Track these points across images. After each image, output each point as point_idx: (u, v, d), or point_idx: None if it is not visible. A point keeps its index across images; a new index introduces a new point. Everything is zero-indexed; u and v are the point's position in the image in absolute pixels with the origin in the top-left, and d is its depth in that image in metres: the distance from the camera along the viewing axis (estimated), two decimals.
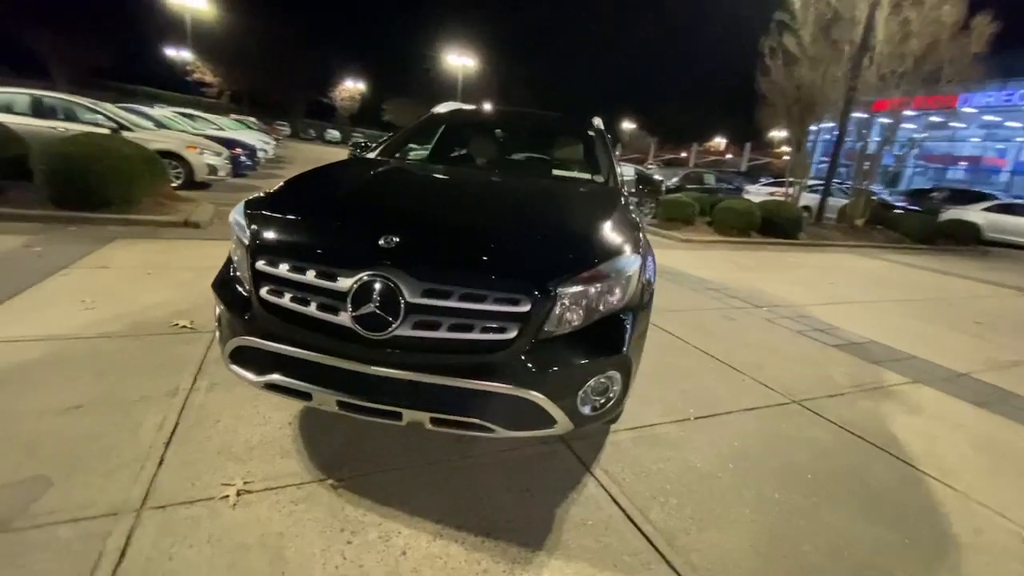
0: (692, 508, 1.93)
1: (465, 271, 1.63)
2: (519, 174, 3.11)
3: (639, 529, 1.78)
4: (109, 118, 8.35)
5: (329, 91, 53.67)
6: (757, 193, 14.69)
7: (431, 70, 48.08)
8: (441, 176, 2.81)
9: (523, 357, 1.61)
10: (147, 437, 1.99)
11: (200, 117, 16.03)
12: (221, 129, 14.83)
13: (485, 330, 1.60)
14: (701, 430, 2.53)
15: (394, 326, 1.57)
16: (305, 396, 1.69)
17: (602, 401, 1.80)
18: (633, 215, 2.45)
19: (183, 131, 10.54)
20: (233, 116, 25.11)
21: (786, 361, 3.65)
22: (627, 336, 1.83)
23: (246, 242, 1.76)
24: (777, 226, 10.46)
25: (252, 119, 25.46)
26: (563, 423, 1.71)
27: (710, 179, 14.71)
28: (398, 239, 1.67)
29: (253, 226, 1.80)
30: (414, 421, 1.65)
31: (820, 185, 13.62)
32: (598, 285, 1.74)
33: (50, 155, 5.48)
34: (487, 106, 3.88)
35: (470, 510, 1.79)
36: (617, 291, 1.80)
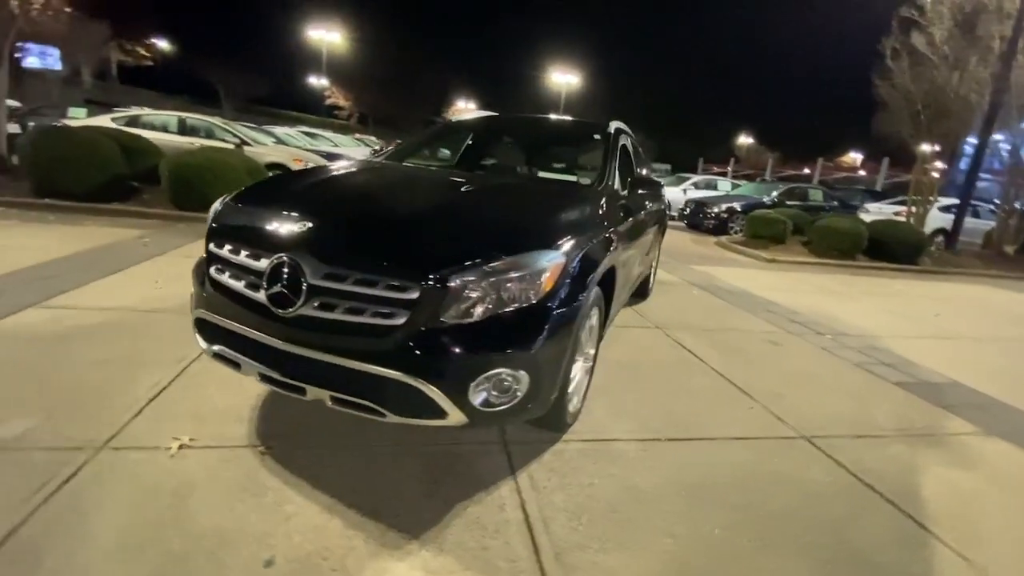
0: (605, 528, 1.78)
1: (361, 257, 1.70)
2: (506, 175, 3.15)
3: (532, 538, 1.70)
4: (235, 135, 9.78)
5: (444, 110, 57.42)
6: (879, 213, 12.92)
7: (538, 86, 49.44)
8: (400, 174, 2.90)
9: (412, 344, 1.64)
10: (140, 392, 2.32)
11: (323, 136, 18.12)
12: (336, 146, 16.62)
13: (376, 315, 1.66)
14: (667, 453, 2.32)
15: (297, 305, 1.69)
16: (236, 366, 1.87)
17: (505, 399, 1.76)
18: (597, 216, 2.36)
19: (298, 147, 11.99)
20: (356, 135, 28.01)
21: (819, 393, 3.20)
22: (536, 334, 1.77)
23: (207, 227, 2.01)
24: (889, 249, 9.12)
25: (373, 138, 28.18)
26: (455, 416, 1.70)
27: (816, 196, 13.23)
28: (311, 225, 1.80)
29: (216, 213, 2.05)
30: (316, 397, 1.75)
31: (963, 205, 11.59)
32: (502, 278, 1.71)
33: (173, 164, 6.59)
34: (501, 113, 3.97)
35: (371, 492, 1.84)
36: (526, 286, 1.75)
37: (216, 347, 1.93)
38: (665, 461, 2.24)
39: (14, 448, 1.86)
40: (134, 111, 10.37)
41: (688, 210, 12.78)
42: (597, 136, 3.24)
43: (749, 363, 3.58)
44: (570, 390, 2.19)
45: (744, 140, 57.22)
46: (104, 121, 9.17)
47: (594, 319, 2.41)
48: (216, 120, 10.22)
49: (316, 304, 1.69)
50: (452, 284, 1.65)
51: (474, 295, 1.68)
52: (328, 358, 1.69)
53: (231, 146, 8.91)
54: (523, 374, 1.75)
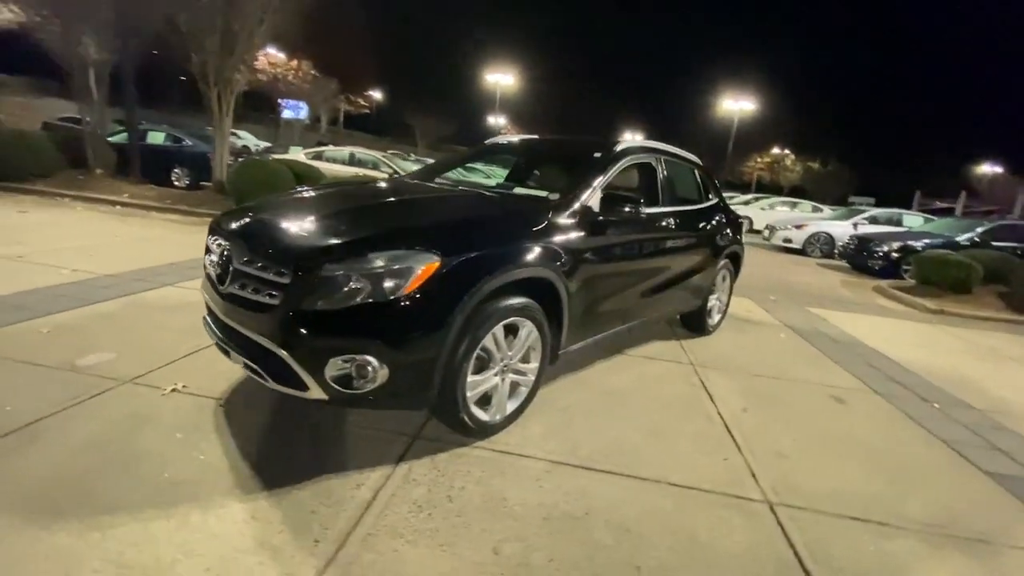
0: (438, 527, 1.80)
1: (262, 249, 2.07)
2: (464, 188, 3.38)
3: (360, 516, 1.81)
4: (390, 166, 11.53)
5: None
6: None
7: (706, 116, 46.88)
8: (361, 188, 3.25)
9: (286, 321, 1.93)
10: (182, 350, 3.04)
11: (479, 168, 20.01)
12: (487, 176, 18.25)
13: (267, 295, 2.00)
14: (569, 479, 2.17)
15: (227, 283, 2.13)
16: (210, 330, 2.39)
17: (364, 384, 1.93)
18: (526, 231, 2.40)
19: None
20: None
21: (844, 462, 2.58)
22: (394, 327, 1.92)
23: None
24: None
25: None
26: (315, 390, 1.93)
27: None
28: (249, 224, 2.24)
29: (214, 218, 2.64)
30: (236, 361, 2.15)
31: None
32: (368, 272, 1.91)
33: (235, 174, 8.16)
34: (526, 136, 4.19)
35: (270, 450, 2.15)
36: (392, 283, 1.92)
37: (204, 315, 2.49)
38: (558, 485, 2.12)
39: (81, 371, 2.64)
40: (321, 148, 12.96)
41: (851, 247, 10.86)
42: (597, 154, 3.19)
43: (778, 417, 3.04)
44: (469, 396, 2.22)
45: (986, 169, 45.81)
46: (299, 155, 11.68)
47: (526, 334, 2.41)
48: (379, 154, 12.20)
49: (237, 285, 2.10)
50: (321, 274, 1.90)
51: (341, 285, 1.91)
52: (241, 328, 2.08)
53: (383, 175, 10.58)
54: (378, 362, 1.90)
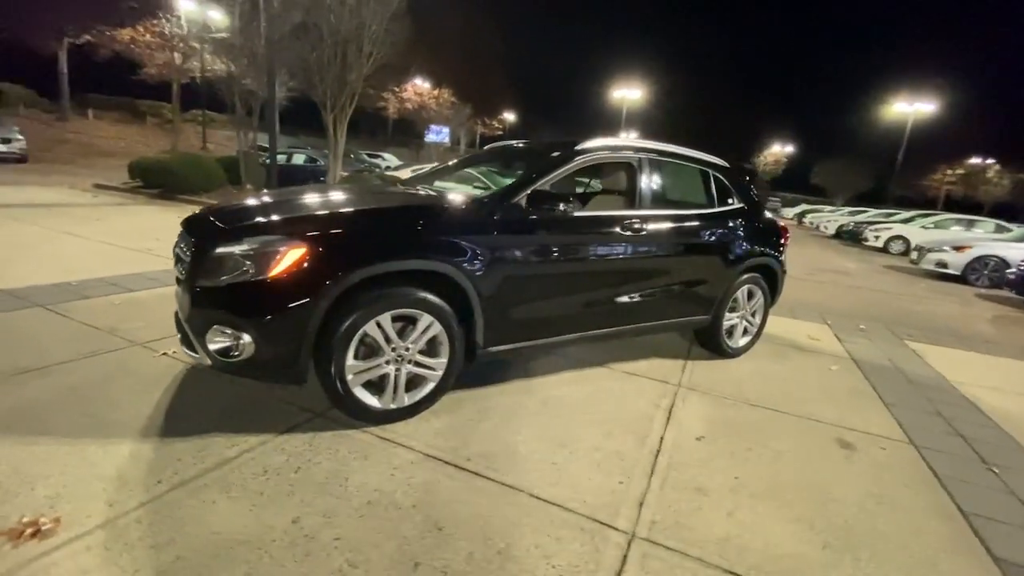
0: (259, 488, 1.95)
1: (185, 234, 2.45)
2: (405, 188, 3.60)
3: (192, 471, 2.04)
4: (485, 181, 12.12)
5: (752, 156, 53.43)
6: None
7: (868, 126, 40.38)
8: (336, 186, 3.51)
9: (189, 293, 2.27)
10: None
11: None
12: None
13: (179, 272, 2.37)
14: (421, 471, 2.16)
15: (174, 266, 2.57)
16: None
17: (237, 354, 2.18)
18: (420, 224, 2.48)
19: None
20: None
21: (786, 519, 2.14)
22: (255, 304, 2.14)
23: None
24: None
25: None
26: (204, 357, 2.24)
27: None
28: (194, 215, 2.66)
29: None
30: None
31: None
32: (243, 255, 2.17)
33: None
34: (515, 141, 4.15)
35: (181, 408, 2.51)
36: (260, 265, 2.15)
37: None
38: (409, 476, 2.12)
39: (115, 334, 3.34)
40: (429, 166, 14.14)
41: (1019, 272, 8.54)
42: (554, 154, 3.09)
43: (736, 452, 2.61)
44: (351, 379, 2.33)
45: None
46: (405, 172, 12.90)
47: (423, 326, 2.46)
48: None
49: (178, 266, 2.52)
50: (208, 254, 2.21)
51: (220, 264, 2.20)
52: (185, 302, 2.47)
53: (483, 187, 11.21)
54: (245, 336, 2.14)
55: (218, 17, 18.44)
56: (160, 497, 1.86)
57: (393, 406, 2.51)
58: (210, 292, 2.21)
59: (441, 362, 2.59)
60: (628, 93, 34.35)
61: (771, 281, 4.13)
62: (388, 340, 2.41)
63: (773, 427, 2.94)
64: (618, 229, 3.15)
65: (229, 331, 2.16)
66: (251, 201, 2.82)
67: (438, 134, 39.06)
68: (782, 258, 4.15)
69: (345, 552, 1.70)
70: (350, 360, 2.33)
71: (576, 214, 2.95)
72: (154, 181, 11.06)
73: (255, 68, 10.06)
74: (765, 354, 4.23)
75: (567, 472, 2.28)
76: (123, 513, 1.76)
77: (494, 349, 2.79)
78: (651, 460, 2.45)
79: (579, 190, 4.33)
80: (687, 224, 3.53)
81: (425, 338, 2.51)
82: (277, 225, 2.31)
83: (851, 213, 23.38)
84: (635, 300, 3.29)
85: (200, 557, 1.61)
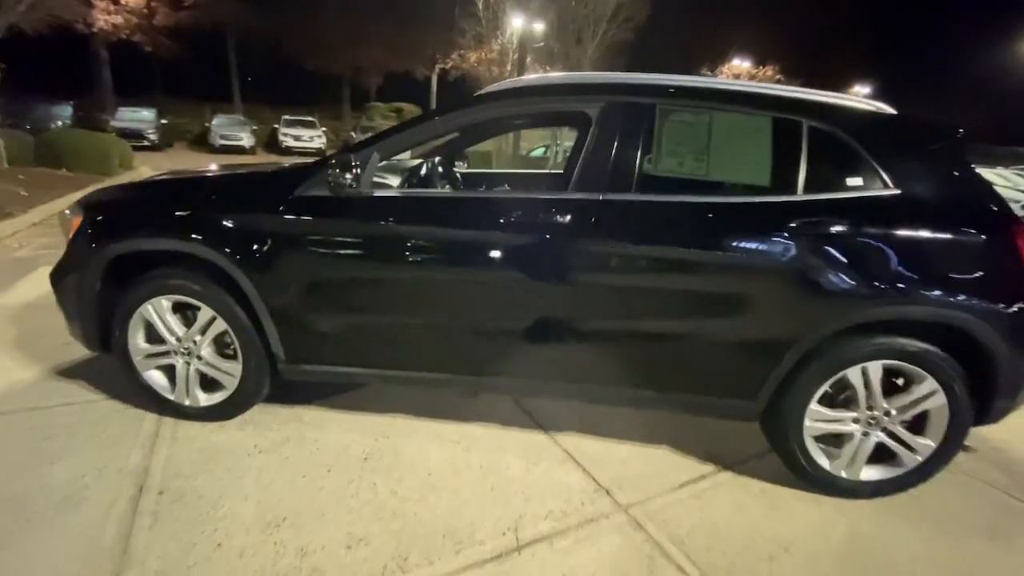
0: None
1: None
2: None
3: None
4: None
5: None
6: None
7: None
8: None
9: None
10: None
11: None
12: None
13: None
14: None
15: None
16: None
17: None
18: (210, 198, 2.18)
19: None
20: None
21: None
22: (59, 266, 2.22)
23: None
24: None
25: None
26: None
27: None
28: None
29: None
30: None
31: None
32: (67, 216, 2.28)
33: None
34: None
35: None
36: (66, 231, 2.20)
37: None
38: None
39: None
40: None
41: None
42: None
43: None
44: (137, 360, 2.18)
45: None
46: None
47: (204, 320, 2.11)
48: None
49: None
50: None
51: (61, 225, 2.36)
52: None
53: None
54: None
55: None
56: None
57: (187, 403, 2.22)
58: None
59: (234, 368, 2.15)
60: None
61: (973, 361, 1.84)
62: (169, 329, 2.13)
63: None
64: (534, 220, 1.92)
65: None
66: None
67: None
68: (1009, 309, 1.79)
69: None
70: (140, 341, 2.17)
71: (442, 194, 1.97)
72: None
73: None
74: (943, 505, 1.97)
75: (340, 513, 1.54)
76: None
77: (307, 368, 2.15)
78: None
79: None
80: (714, 219, 1.90)
81: (210, 334, 2.12)
82: (87, 197, 2.34)
83: None
84: (563, 339, 1.98)
85: None
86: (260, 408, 2.35)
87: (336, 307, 2.07)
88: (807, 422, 1.95)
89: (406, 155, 2.58)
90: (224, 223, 2.00)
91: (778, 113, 1.94)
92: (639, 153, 1.92)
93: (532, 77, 2.18)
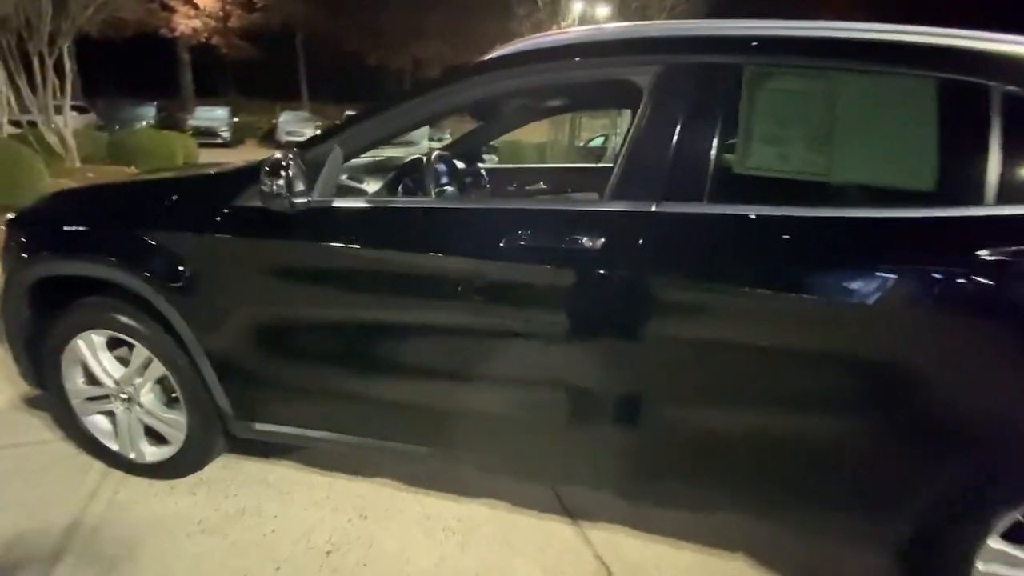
0: None
1: None
2: None
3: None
4: None
5: None
6: None
7: None
8: None
9: None
10: None
11: None
12: None
13: None
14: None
15: None
16: None
17: None
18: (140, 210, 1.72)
19: None
20: None
21: None
22: None
23: None
24: None
25: None
26: None
27: None
28: None
29: None
30: None
31: None
32: None
33: None
34: None
35: None
36: None
37: None
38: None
39: None
40: None
41: None
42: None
43: None
44: (74, 402, 1.80)
45: None
46: None
47: (139, 362, 1.69)
48: None
49: None
50: None
51: None
52: None
53: None
54: None
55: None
56: None
57: (132, 455, 1.82)
58: None
59: (178, 420, 1.71)
60: None
61: None
62: (104, 369, 1.73)
63: None
64: (548, 243, 1.31)
65: None
66: None
67: None
68: None
69: None
70: (79, 382, 1.78)
71: (420, 203, 1.43)
72: None
73: None
74: None
75: None
76: None
77: (263, 428, 1.66)
78: None
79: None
80: (843, 244, 1.20)
81: (149, 378, 1.70)
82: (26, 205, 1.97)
83: None
84: (584, 421, 1.37)
85: None
86: (224, 461, 1.92)
87: (288, 354, 1.58)
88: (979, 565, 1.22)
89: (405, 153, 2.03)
90: (146, 240, 1.55)
91: (950, 74, 1.19)
92: (715, 141, 1.25)
93: (554, 33, 1.53)
